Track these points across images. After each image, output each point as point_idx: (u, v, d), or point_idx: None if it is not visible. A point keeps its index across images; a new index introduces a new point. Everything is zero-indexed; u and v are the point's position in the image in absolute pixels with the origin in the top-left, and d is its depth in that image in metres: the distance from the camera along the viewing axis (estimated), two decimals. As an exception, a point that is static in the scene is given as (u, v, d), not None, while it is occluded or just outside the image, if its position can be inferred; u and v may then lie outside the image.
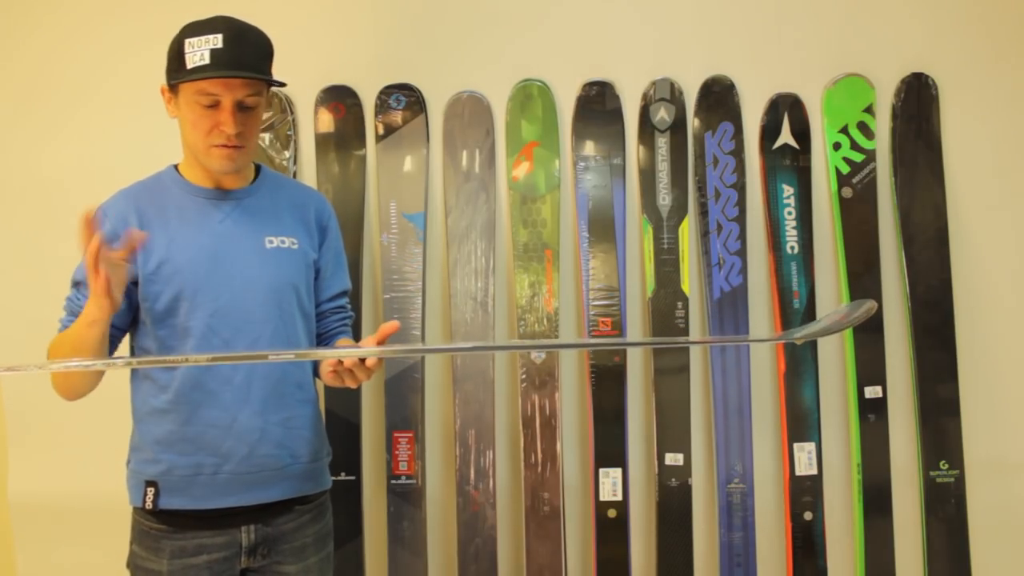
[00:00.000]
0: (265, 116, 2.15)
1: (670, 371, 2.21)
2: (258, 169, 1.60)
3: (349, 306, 1.71)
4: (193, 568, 1.46)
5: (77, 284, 1.49)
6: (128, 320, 1.51)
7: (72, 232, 1.49)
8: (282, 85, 1.51)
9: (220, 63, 1.41)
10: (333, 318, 1.67)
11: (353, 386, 1.45)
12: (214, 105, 1.43)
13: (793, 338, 1.45)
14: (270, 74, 1.49)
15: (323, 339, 1.66)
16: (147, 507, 1.48)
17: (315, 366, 1.63)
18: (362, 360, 1.40)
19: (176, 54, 1.44)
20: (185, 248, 1.47)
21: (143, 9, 2.21)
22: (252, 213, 1.54)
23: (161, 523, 1.48)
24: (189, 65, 1.41)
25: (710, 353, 2.23)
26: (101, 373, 1.48)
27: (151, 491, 1.47)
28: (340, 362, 1.40)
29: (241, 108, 1.45)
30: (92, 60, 2.24)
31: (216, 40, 1.41)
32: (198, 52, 1.41)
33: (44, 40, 2.25)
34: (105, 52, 2.24)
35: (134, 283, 1.46)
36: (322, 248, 1.63)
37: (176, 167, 1.56)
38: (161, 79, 1.50)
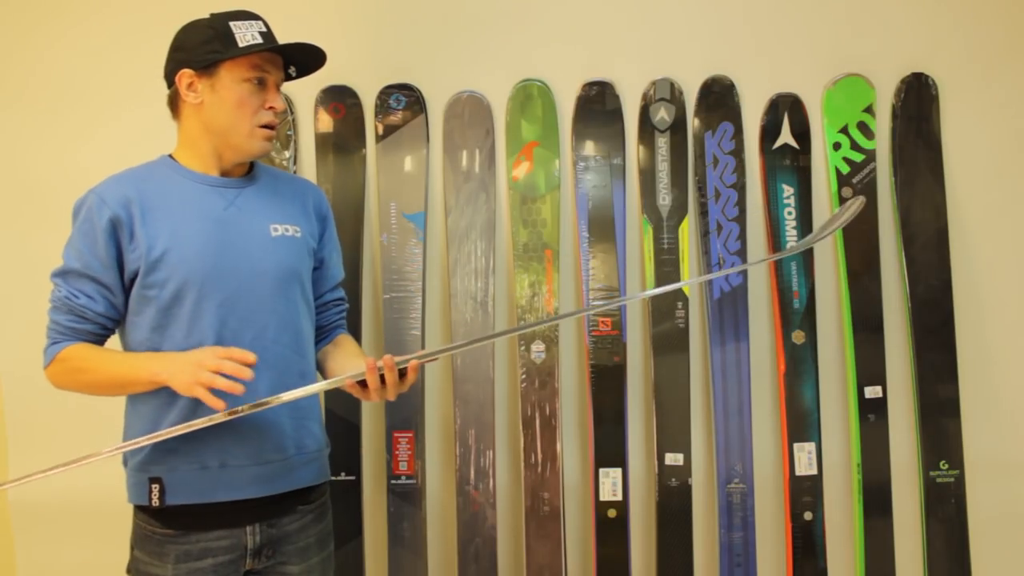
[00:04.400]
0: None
1: (670, 371, 2.21)
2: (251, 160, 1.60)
3: (345, 296, 1.74)
4: (199, 572, 1.44)
5: (67, 273, 1.44)
6: (123, 312, 1.48)
7: (61, 230, 1.49)
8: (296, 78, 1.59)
9: (274, 42, 1.49)
10: (333, 310, 1.69)
11: (376, 399, 1.43)
12: (262, 83, 1.48)
13: (789, 251, 1.47)
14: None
15: (322, 332, 1.67)
16: (153, 504, 1.45)
17: (316, 364, 1.63)
18: (400, 375, 1.41)
19: (221, 35, 1.45)
20: (192, 235, 1.45)
21: (136, 10, 2.21)
22: (255, 201, 1.54)
23: (166, 527, 1.46)
24: (241, 43, 1.45)
25: (710, 353, 2.23)
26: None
27: (156, 488, 1.44)
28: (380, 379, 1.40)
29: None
30: (86, 61, 2.24)
31: (260, 25, 1.50)
32: (248, 32, 1.47)
33: (36, 41, 2.24)
34: (97, 53, 2.23)
35: (134, 274, 1.44)
36: (323, 239, 1.65)
37: (170, 156, 1.54)
38: (156, 78, 1.50)
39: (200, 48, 1.46)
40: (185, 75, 1.47)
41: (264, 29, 1.49)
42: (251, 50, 1.45)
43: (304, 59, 1.55)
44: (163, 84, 1.53)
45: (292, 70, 1.55)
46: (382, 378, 1.40)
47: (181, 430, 1.37)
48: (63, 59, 2.24)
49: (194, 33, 1.48)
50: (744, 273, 2.23)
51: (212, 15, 1.49)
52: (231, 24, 1.46)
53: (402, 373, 1.41)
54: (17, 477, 1.40)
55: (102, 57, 2.24)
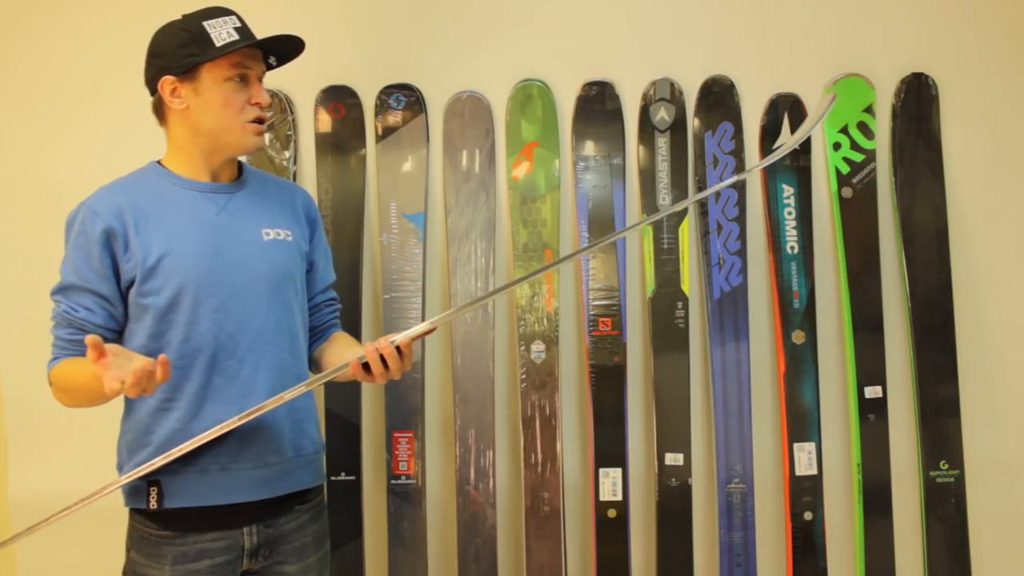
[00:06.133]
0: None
1: (670, 371, 2.21)
2: (240, 164, 1.60)
3: (337, 297, 1.73)
4: (195, 573, 1.44)
5: (66, 289, 1.44)
6: (123, 323, 1.48)
7: (60, 230, 1.48)
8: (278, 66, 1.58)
9: (250, 36, 1.48)
10: (326, 310, 1.69)
11: (381, 381, 1.43)
12: (244, 79, 1.47)
13: (776, 154, 1.46)
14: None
15: (317, 332, 1.67)
16: (151, 508, 1.44)
17: (313, 362, 1.64)
18: (398, 351, 1.40)
19: (196, 37, 1.44)
20: (186, 241, 1.45)
21: (134, 12, 2.21)
22: (246, 206, 1.54)
23: (163, 528, 1.45)
24: (218, 43, 1.44)
25: (710, 353, 2.23)
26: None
27: (154, 491, 1.44)
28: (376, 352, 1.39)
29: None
30: (87, 62, 2.24)
31: (234, 20, 1.49)
32: (223, 30, 1.45)
33: (37, 43, 2.24)
34: (99, 55, 2.23)
35: (129, 283, 1.44)
36: (313, 241, 1.65)
37: (159, 163, 1.53)
38: (141, 75, 1.50)
39: (177, 52, 1.45)
40: (167, 82, 1.46)
41: (239, 24, 1.48)
42: (229, 49, 1.44)
43: (283, 49, 1.54)
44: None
45: (272, 60, 1.55)
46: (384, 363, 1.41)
47: (195, 444, 1.36)
48: (47, 56, 2.24)
49: (169, 37, 1.47)
50: (744, 273, 2.23)
51: (184, 16, 1.48)
52: (205, 24, 1.45)
53: (398, 351, 1.42)
54: (45, 518, 1.40)
55: (87, 53, 2.24)
